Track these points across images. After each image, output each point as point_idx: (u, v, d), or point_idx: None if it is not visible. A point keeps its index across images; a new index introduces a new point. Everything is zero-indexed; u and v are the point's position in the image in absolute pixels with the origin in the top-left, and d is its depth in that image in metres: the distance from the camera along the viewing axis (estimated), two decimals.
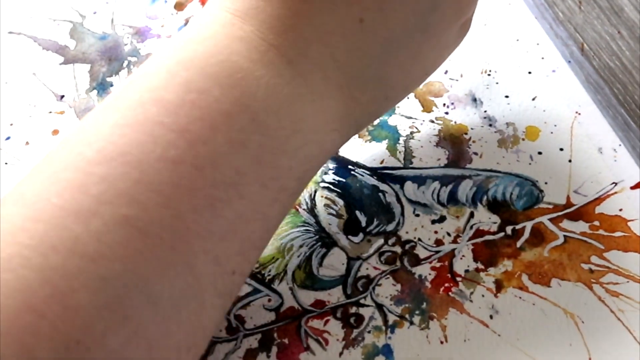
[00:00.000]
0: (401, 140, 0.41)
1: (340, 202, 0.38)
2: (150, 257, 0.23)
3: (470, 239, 0.37)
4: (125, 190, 0.23)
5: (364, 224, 0.38)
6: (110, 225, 0.22)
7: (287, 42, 0.27)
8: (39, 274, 0.21)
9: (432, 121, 0.42)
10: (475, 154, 0.40)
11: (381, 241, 0.37)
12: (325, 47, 0.27)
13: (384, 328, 0.34)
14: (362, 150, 0.40)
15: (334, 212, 0.38)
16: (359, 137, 0.41)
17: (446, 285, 0.36)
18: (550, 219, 0.38)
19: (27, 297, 0.21)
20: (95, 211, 0.22)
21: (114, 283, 0.22)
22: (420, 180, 0.39)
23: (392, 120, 0.42)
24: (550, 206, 0.38)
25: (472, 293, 0.35)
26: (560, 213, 0.38)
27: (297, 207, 0.38)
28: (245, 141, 0.25)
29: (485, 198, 0.39)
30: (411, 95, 0.43)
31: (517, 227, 0.37)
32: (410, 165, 0.40)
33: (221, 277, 0.25)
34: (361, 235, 0.37)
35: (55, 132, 0.43)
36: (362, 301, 0.35)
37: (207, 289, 0.25)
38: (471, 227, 0.38)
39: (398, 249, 0.37)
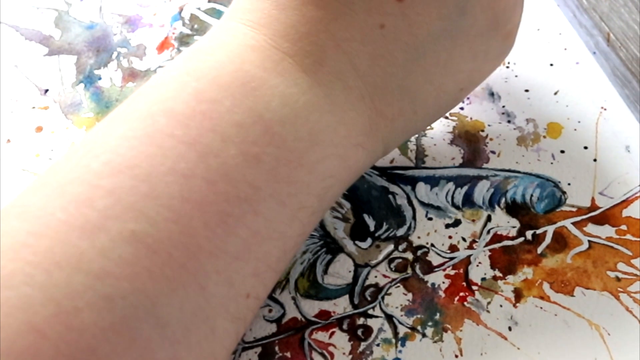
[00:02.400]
0: (413, 138, 0.41)
1: (347, 204, 0.39)
2: (159, 275, 0.23)
3: (487, 245, 0.37)
4: (133, 205, 0.23)
5: (372, 228, 0.38)
6: (117, 241, 0.22)
7: (303, 50, 0.27)
8: (42, 292, 0.21)
9: (446, 117, 0.42)
10: (493, 152, 0.40)
11: (391, 247, 0.37)
12: (344, 55, 0.28)
13: (394, 341, 0.35)
14: None
15: (340, 216, 0.38)
16: None
17: (461, 294, 0.36)
18: (573, 223, 0.38)
19: (29, 316, 0.21)
20: (102, 226, 0.23)
21: (120, 303, 0.22)
22: (433, 181, 0.39)
23: None
24: (574, 209, 0.38)
25: (489, 303, 0.35)
26: (584, 216, 0.38)
27: None
28: (259, 154, 0.26)
29: (503, 200, 0.39)
30: None
31: (538, 231, 0.37)
32: (423, 165, 0.40)
33: (234, 300, 0.26)
34: (369, 240, 0.38)
35: (39, 129, 0.43)
36: (370, 312, 0.36)
37: (219, 313, 0.25)
38: (488, 232, 0.38)
39: (409, 256, 0.37)
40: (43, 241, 0.22)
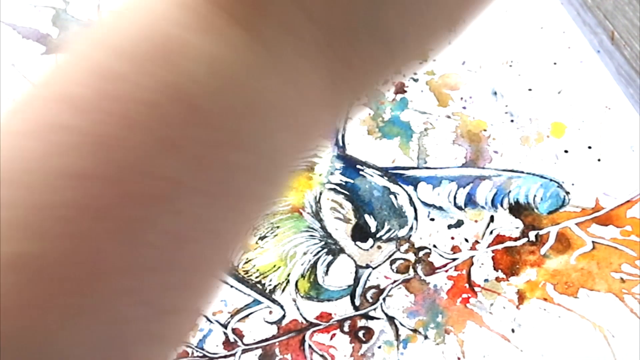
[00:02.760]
0: (414, 138, 0.41)
1: (348, 205, 0.39)
2: (53, 306, 0.19)
3: (490, 246, 0.37)
4: (19, 221, 0.19)
5: (373, 229, 0.38)
6: None
7: (238, 0, 0.23)
8: None
9: (448, 117, 0.42)
10: (496, 152, 0.40)
11: (393, 248, 0.37)
12: (292, 1, 0.23)
13: (395, 343, 0.35)
14: (372, 148, 0.40)
15: (341, 216, 0.38)
16: (369, 133, 0.41)
17: (464, 295, 0.36)
18: (577, 224, 0.38)
19: None
20: None
21: (8, 344, 0.18)
22: (435, 181, 0.39)
23: (404, 116, 0.42)
24: (578, 209, 0.38)
25: (492, 304, 0.35)
26: (588, 217, 0.38)
27: (301, 210, 0.38)
28: (178, 139, 0.21)
29: (506, 201, 0.39)
30: (425, 88, 0.43)
31: (541, 232, 0.38)
32: (425, 165, 0.40)
33: (157, 319, 0.21)
34: (371, 241, 0.38)
35: None
36: (371, 313, 0.36)
37: (134, 338, 0.21)
38: (491, 233, 0.38)
39: (411, 257, 0.37)
40: None
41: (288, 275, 0.37)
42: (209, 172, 0.21)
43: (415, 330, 0.34)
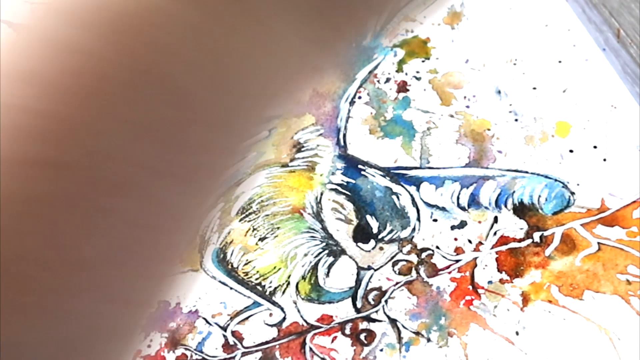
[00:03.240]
0: (417, 137, 0.41)
1: (350, 205, 0.39)
2: (12, 307, 0.18)
3: (493, 247, 0.37)
4: None
5: (375, 230, 0.38)
6: None
7: None
8: None
9: (452, 116, 0.42)
10: (500, 152, 0.40)
11: (395, 249, 0.37)
12: None
13: (397, 346, 0.35)
14: (374, 148, 0.41)
15: (343, 217, 0.38)
16: (371, 133, 0.41)
17: (467, 298, 0.36)
18: (582, 225, 0.38)
19: None
20: None
21: None
22: (438, 182, 0.39)
23: (406, 115, 0.42)
24: (583, 210, 0.38)
25: (496, 307, 0.35)
26: (593, 218, 0.38)
27: (302, 211, 0.38)
28: (150, 120, 0.19)
29: (510, 201, 0.39)
30: (428, 87, 0.43)
31: (546, 233, 0.38)
32: (427, 165, 0.40)
33: (118, 314, 0.20)
34: (372, 242, 0.38)
35: None
36: (373, 316, 0.36)
37: (99, 334, 0.20)
38: (495, 234, 0.38)
39: (414, 258, 0.37)
40: None
41: (288, 277, 0.37)
42: (179, 155, 0.20)
43: (417, 333, 0.35)
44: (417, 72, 0.42)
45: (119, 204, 0.19)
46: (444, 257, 0.37)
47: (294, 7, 0.20)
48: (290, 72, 0.22)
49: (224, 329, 0.35)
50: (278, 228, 0.39)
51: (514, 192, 0.39)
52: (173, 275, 0.22)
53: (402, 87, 0.42)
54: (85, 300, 0.19)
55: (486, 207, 0.39)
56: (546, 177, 0.39)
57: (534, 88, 0.43)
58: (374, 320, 0.35)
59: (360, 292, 0.36)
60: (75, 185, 0.18)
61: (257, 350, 0.35)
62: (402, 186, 0.39)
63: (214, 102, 0.20)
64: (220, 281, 0.37)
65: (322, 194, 0.39)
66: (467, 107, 0.42)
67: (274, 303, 0.36)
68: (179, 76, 0.19)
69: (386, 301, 0.36)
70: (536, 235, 0.38)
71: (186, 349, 0.36)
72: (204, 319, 0.36)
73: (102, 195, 0.18)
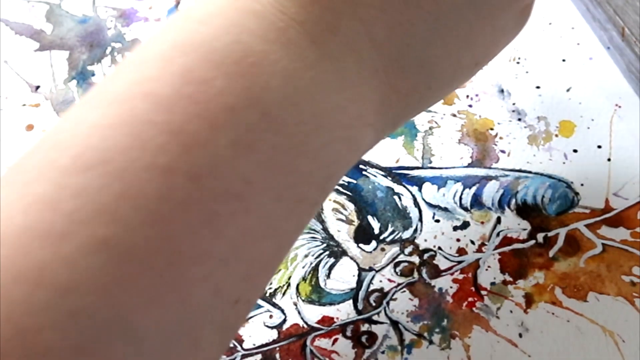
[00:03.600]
0: (419, 137, 0.41)
1: (351, 206, 0.39)
2: (134, 287, 0.21)
3: (496, 248, 0.37)
4: (105, 207, 0.21)
5: (377, 230, 0.38)
6: (84, 249, 0.21)
7: (314, 16, 0.25)
8: None
9: (454, 115, 0.42)
10: (503, 152, 0.40)
11: (397, 250, 0.37)
12: (360, 23, 0.26)
13: (399, 348, 0.35)
14: (376, 147, 0.41)
15: (344, 218, 0.38)
16: None
17: (470, 299, 0.36)
18: (586, 225, 0.38)
19: None
20: (67, 232, 0.21)
21: (89, 319, 0.21)
22: (440, 182, 0.39)
23: None
24: (587, 211, 0.38)
25: (499, 308, 0.35)
26: (598, 218, 0.38)
27: None
28: (254, 142, 0.24)
29: (513, 202, 0.39)
30: None
31: (550, 234, 0.38)
32: (429, 165, 0.40)
33: (221, 308, 0.24)
34: (374, 243, 0.38)
35: (30, 127, 0.44)
36: (375, 317, 0.36)
37: (204, 324, 0.24)
38: (498, 235, 0.38)
39: (415, 259, 0.37)
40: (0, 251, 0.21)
41: (289, 278, 0.37)
42: (277, 175, 0.24)
43: (419, 335, 0.35)
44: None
45: (228, 211, 0.23)
46: (446, 258, 0.37)
47: (372, 73, 0.27)
48: (365, 125, 0.28)
49: None
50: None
51: (517, 192, 0.39)
52: (266, 283, 0.27)
53: None
54: (197, 293, 0.23)
55: (489, 208, 0.39)
56: (550, 177, 0.39)
57: (538, 87, 0.43)
58: (376, 322, 0.35)
59: (362, 294, 0.36)
60: (191, 190, 0.22)
61: (257, 353, 0.35)
62: (404, 186, 0.39)
63: (304, 131, 0.25)
64: None
65: None
66: (470, 106, 0.42)
67: (274, 305, 0.36)
68: (278, 109, 0.24)
69: (388, 303, 0.36)
70: (540, 236, 0.38)
71: None
72: None
73: (214, 201, 0.23)
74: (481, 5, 0.29)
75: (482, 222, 0.38)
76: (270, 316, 0.36)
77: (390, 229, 0.38)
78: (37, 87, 0.45)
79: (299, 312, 0.36)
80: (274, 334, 0.35)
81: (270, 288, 0.36)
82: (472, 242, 0.37)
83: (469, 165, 0.40)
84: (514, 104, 0.42)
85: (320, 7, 0.25)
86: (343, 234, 0.38)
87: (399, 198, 0.39)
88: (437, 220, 0.38)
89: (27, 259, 0.21)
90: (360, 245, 0.37)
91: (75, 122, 0.24)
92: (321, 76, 0.26)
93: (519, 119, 0.41)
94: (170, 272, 0.22)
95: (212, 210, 0.23)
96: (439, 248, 0.37)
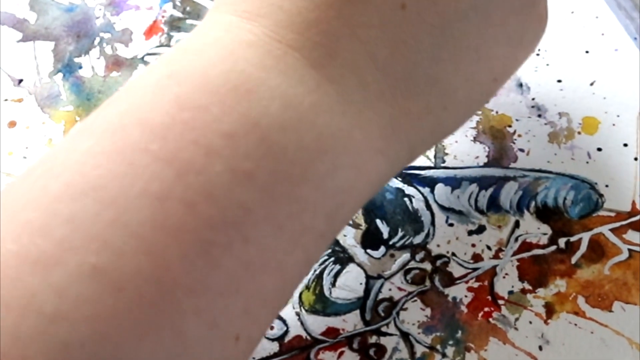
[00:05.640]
0: None
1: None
2: (126, 317, 0.22)
3: (515, 254, 0.37)
4: (96, 234, 0.22)
5: (386, 235, 0.38)
6: (75, 277, 0.22)
7: (311, 41, 0.26)
8: None
9: None
10: (521, 150, 0.40)
11: (407, 256, 0.38)
12: (360, 44, 0.27)
13: None
14: None
15: (350, 221, 0.38)
16: None
17: (486, 309, 0.36)
18: (611, 230, 0.38)
19: None
20: (58, 259, 0.22)
21: (78, 351, 0.21)
22: (454, 183, 0.39)
23: None
24: (612, 214, 0.38)
25: (517, 319, 0.36)
26: (624, 222, 0.38)
27: None
28: (253, 169, 0.24)
29: (533, 204, 0.39)
30: None
31: (572, 239, 0.38)
32: (443, 165, 0.40)
33: (220, 343, 0.25)
34: (383, 249, 0.38)
35: (12, 124, 0.44)
36: (383, 329, 0.36)
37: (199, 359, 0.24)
38: (516, 240, 0.38)
39: (427, 266, 0.37)
40: None
41: None
42: (277, 203, 0.25)
43: (432, 348, 0.35)
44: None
45: (226, 241, 0.24)
46: (460, 265, 0.37)
47: (378, 96, 0.28)
48: (373, 150, 0.29)
49: None
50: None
51: (537, 194, 0.39)
52: (270, 320, 0.28)
53: None
54: (191, 325, 0.23)
55: (507, 211, 0.39)
56: (572, 177, 0.39)
57: (559, 81, 0.43)
58: (385, 334, 0.36)
59: (370, 303, 0.36)
60: (186, 218, 0.23)
61: None
62: (415, 188, 0.39)
63: (306, 157, 0.26)
64: None
65: None
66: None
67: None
68: (278, 135, 0.25)
69: (397, 313, 0.36)
70: (561, 241, 0.38)
71: None
72: None
73: (211, 230, 0.23)
74: (490, 11, 0.29)
75: (500, 226, 0.38)
76: (271, 327, 0.36)
77: (400, 234, 0.38)
78: (20, 81, 0.45)
79: (302, 323, 0.36)
80: (274, 347, 0.35)
81: None
82: (489, 248, 0.38)
83: (485, 165, 0.40)
84: (533, 99, 0.42)
85: (317, 32, 0.26)
86: (349, 238, 0.38)
87: (410, 200, 0.39)
88: (451, 224, 0.38)
89: (16, 286, 0.21)
90: (368, 251, 0.38)
91: (67, 150, 0.25)
92: (322, 100, 0.26)
93: (539, 115, 0.42)
94: (164, 303, 0.23)
95: (207, 239, 0.23)
96: (453, 254, 0.37)
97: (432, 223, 0.38)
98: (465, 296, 0.36)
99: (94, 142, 0.24)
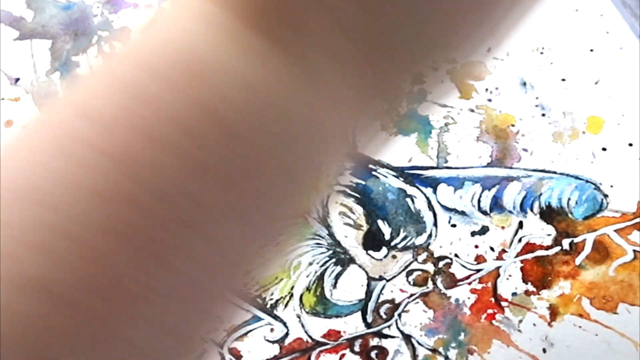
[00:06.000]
0: (434, 134, 0.41)
1: (359, 209, 0.39)
2: (70, 334, 0.21)
3: (518, 255, 0.37)
4: (34, 241, 0.21)
5: (387, 236, 0.38)
6: (11, 290, 0.20)
7: (271, 16, 0.24)
8: None
9: (472, 110, 0.42)
10: (525, 150, 0.40)
11: (409, 257, 0.38)
12: (326, 12, 0.24)
13: None
14: (386, 145, 0.41)
15: (351, 222, 0.38)
16: (382, 129, 0.41)
17: (489, 311, 0.36)
18: (616, 231, 0.38)
19: None
20: None
21: None
22: (457, 183, 0.39)
23: (422, 109, 0.42)
24: (617, 215, 0.38)
25: (520, 321, 0.36)
26: (629, 223, 0.38)
27: (306, 215, 0.39)
28: (210, 161, 0.23)
29: (537, 204, 0.39)
30: (446, 78, 0.43)
31: (576, 240, 0.38)
32: (445, 165, 0.40)
33: (177, 350, 0.24)
34: (384, 250, 0.38)
35: (9, 123, 0.44)
36: (385, 331, 0.36)
37: None
38: (520, 240, 0.38)
39: (430, 267, 0.37)
40: None
41: (291, 288, 0.37)
42: (240, 196, 0.23)
43: (434, 350, 0.35)
44: (434, 61, 0.42)
45: (180, 241, 0.22)
46: (463, 266, 0.37)
47: (353, 66, 0.25)
48: (346, 121, 0.26)
49: (221, 345, 0.36)
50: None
51: (540, 194, 0.39)
52: (224, 314, 0.26)
53: (418, 78, 0.42)
54: (143, 332, 0.22)
55: (510, 211, 0.39)
56: (576, 177, 0.39)
57: (563, 79, 0.43)
58: (386, 336, 0.36)
59: (371, 305, 0.36)
60: (135, 219, 0.21)
61: None
62: (417, 188, 0.39)
63: (274, 150, 0.23)
64: None
65: (328, 196, 0.39)
66: (489, 100, 0.42)
67: (275, 317, 0.36)
68: (239, 122, 0.23)
69: (399, 315, 0.36)
70: (565, 242, 0.38)
71: None
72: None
73: (163, 230, 0.22)
74: None
75: (503, 227, 0.38)
76: (272, 330, 0.36)
77: (402, 235, 0.38)
78: (17, 80, 0.45)
79: (302, 325, 0.36)
80: (275, 349, 0.35)
81: (271, 299, 0.37)
82: (492, 249, 0.38)
83: (488, 165, 0.40)
84: (537, 98, 0.42)
85: (279, 4, 0.24)
86: (351, 239, 0.38)
87: (412, 201, 0.39)
88: (454, 225, 0.38)
89: None
90: (370, 252, 0.38)
91: (5, 147, 0.24)
92: (289, 80, 0.24)
93: (543, 115, 0.42)
94: (113, 314, 0.22)
95: (160, 240, 0.22)
96: (456, 255, 0.37)
97: (435, 224, 0.38)
98: (468, 298, 0.36)
99: (36, 138, 0.23)
